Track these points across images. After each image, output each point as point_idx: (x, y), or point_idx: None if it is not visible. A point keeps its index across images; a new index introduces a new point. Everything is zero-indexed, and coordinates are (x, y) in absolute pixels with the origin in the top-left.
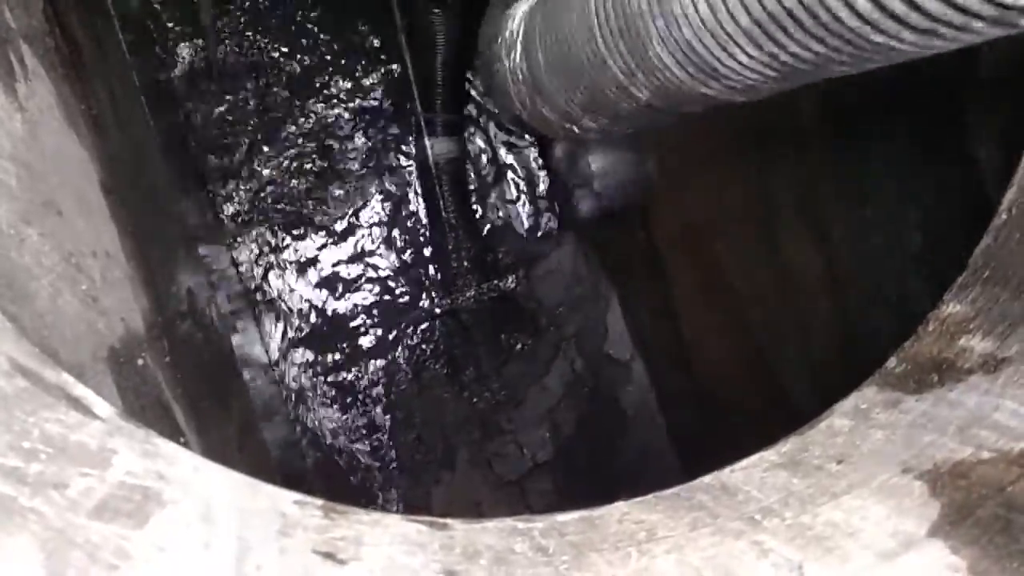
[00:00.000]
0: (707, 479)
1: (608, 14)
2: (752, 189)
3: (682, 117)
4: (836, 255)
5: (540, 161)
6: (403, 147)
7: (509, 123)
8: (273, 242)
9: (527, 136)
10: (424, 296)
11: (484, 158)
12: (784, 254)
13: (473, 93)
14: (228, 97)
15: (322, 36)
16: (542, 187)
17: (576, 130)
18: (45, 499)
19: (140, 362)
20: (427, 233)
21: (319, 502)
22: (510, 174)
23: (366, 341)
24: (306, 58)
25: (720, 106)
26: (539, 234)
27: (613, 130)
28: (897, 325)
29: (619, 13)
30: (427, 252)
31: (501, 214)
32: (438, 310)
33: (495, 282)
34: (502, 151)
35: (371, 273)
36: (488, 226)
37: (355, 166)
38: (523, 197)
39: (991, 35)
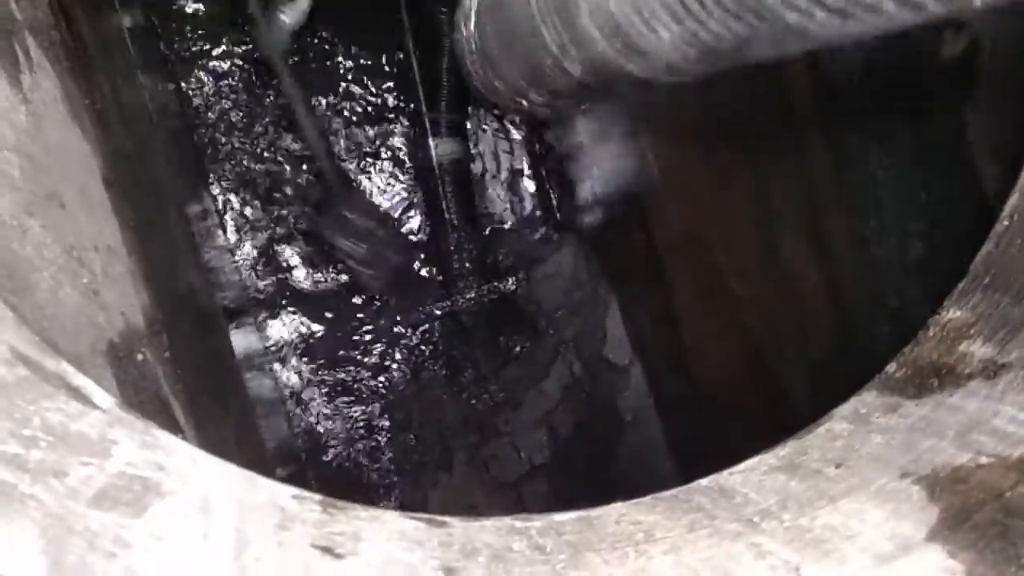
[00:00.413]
0: (705, 481)
1: None
2: (752, 195)
3: (616, 95)
4: (836, 260)
5: (540, 164)
6: (408, 146)
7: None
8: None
9: (524, 136)
10: (424, 297)
11: (486, 160)
12: (784, 259)
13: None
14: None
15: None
16: (542, 190)
17: (524, 104)
18: (45, 487)
19: (139, 357)
20: (428, 233)
21: (318, 497)
22: (511, 177)
23: (365, 341)
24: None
25: (648, 85)
26: (539, 237)
27: (558, 104)
28: (896, 331)
29: None
30: (428, 252)
31: (502, 216)
32: (438, 311)
33: (495, 284)
34: (503, 153)
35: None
36: (489, 228)
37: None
38: (523, 200)
39: (902, 19)
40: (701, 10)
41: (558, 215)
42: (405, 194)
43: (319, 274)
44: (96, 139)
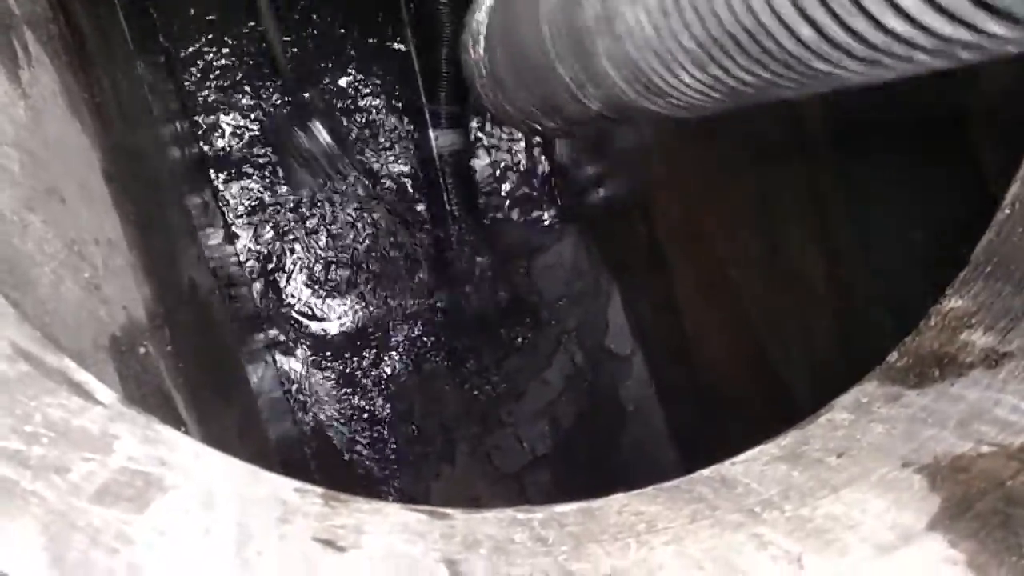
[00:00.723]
0: (707, 472)
1: (558, 26)
2: (753, 184)
3: (636, 125)
4: (837, 249)
5: (543, 155)
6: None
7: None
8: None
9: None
10: (427, 290)
11: (487, 150)
12: (785, 248)
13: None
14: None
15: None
16: (545, 181)
17: (538, 127)
18: (47, 483)
19: (142, 351)
20: (430, 225)
21: (319, 490)
22: (512, 166)
23: (367, 334)
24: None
25: (668, 122)
26: (540, 227)
27: (572, 130)
28: (898, 320)
29: (568, 27)
30: (430, 245)
31: (503, 206)
32: (440, 304)
33: (497, 275)
34: (505, 143)
35: (373, 266)
36: (490, 218)
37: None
38: (525, 189)
39: (933, 67)
40: (725, 58)
41: (560, 204)
42: (405, 187)
43: (330, 272)
44: (96, 133)
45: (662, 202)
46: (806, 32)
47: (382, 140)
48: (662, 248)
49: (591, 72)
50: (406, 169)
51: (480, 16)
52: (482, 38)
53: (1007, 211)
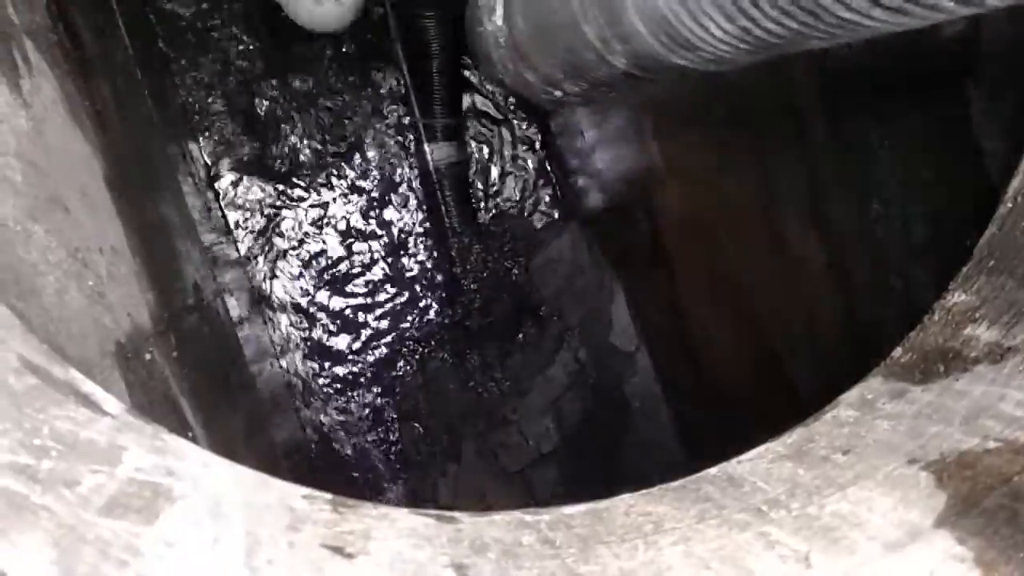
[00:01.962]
0: (713, 471)
1: None
2: (756, 180)
3: (662, 84)
4: (841, 245)
5: (542, 151)
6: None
7: (493, 86)
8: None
9: (526, 123)
10: (429, 310)
11: (488, 148)
12: (789, 244)
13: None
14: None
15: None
16: (544, 177)
17: (558, 94)
18: (56, 496)
19: (147, 357)
20: (428, 240)
21: (327, 496)
22: (512, 164)
23: (371, 345)
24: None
25: (695, 74)
26: (540, 224)
27: (594, 95)
28: (903, 315)
29: None
30: (429, 260)
31: (502, 204)
32: (445, 320)
33: (497, 274)
34: (505, 141)
35: (375, 278)
36: (490, 215)
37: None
38: (525, 187)
39: (958, 14)
40: (755, 9)
41: (560, 202)
42: (404, 203)
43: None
44: (97, 140)
45: (664, 197)
46: None
47: (376, 157)
48: (665, 244)
49: (618, 29)
50: (403, 185)
51: None
52: (500, 8)
53: (1009, 205)
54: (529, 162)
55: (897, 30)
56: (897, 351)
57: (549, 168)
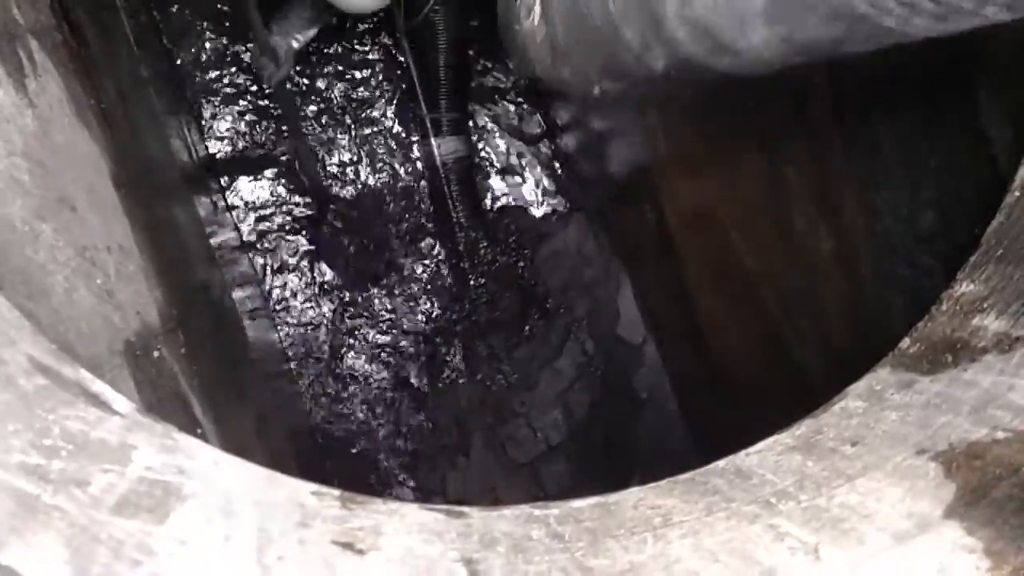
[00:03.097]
0: (722, 463)
1: None
2: (763, 169)
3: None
4: (849, 234)
5: (549, 143)
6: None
7: (527, 80)
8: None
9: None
10: (436, 304)
11: (495, 142)
12: (796, 234)
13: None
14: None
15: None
16: (550, 169)
17: (595, 91)
18: (68, 496)
19: (156, 354)
20: (434, 234)
21: (337, 492)
22: (517, 157)
23: (379, 340)
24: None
25: (735, 78)
26: (545, 215)
27: (632, 93)
28: (911, 304)
29: None
30: (436, 255)
31: (508, 197)
32: (453, 314)
33: (504, 267)
34: (511, 132)
35: (382, 273)
36: (496, 208)
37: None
38: (531, 179)
39: (1000, 20)
40: (795, 16)
41: (566, 194)
42: (410, 198)
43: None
44: (104, 139)
45: (671, 188)
46: None
47: (382, 152)
48: (672, 235)
49: (658, 33)
50: (410, 179)
51: None
52: (538, 7)
53: (1016, 194)
54: (535, 154)
55: (935, 35)
56: (905, 341)
57: (555, 160)
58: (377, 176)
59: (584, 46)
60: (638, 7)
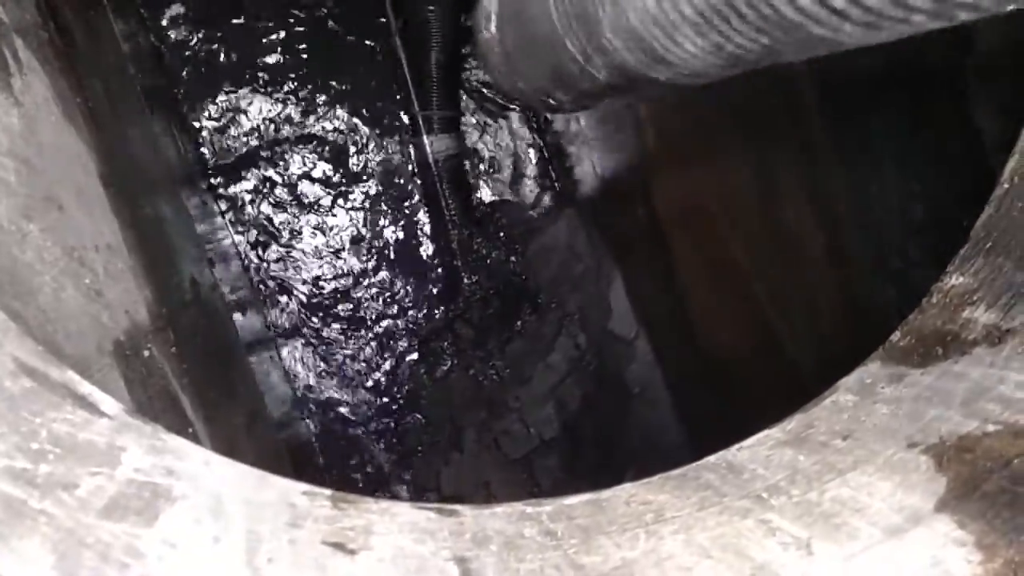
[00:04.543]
0: (713, 458)
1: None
2: (753, 163)
3: (644, 96)
4: (839, 227)
5: (539, 138)
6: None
7: (494, 89)
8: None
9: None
10: (430, 302)
11: (483, 137)
12: (787, 227)
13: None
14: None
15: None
16: (541, 164)
17: (551, 101)
18: (55, 500)
19: (146, 353)
20: (427, 232)
21: (327, 492)
22: (508, 152)
23: (372, 336)
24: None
25: (674, 87)
26: (536, 210)
27: (585, 103)
28: (902, 296)
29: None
30: (429, 252)
31: (499, 191)
32: (447, 312)
33: (495, 262)
34: (502, 129)
35: (375, 270)
36: (487, 204)
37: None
38: (521, 175)
39: (929, 28)
40: (725, 25)
41: (556, 189)
42: (403, 196)
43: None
44: (91, 137)
45: (661, 182)
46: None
47: (374, 149)
48: (663, 228)
49: (596, 43)
50: (401, 178)
51: None
52: (494, 15)
53: (1006, 185)
54: (525, 149)
55: (872, 43)
56: (896, 335)
57: (546, 155)
58: (370, 174)
59: (532, 56)
60: (577, 16)
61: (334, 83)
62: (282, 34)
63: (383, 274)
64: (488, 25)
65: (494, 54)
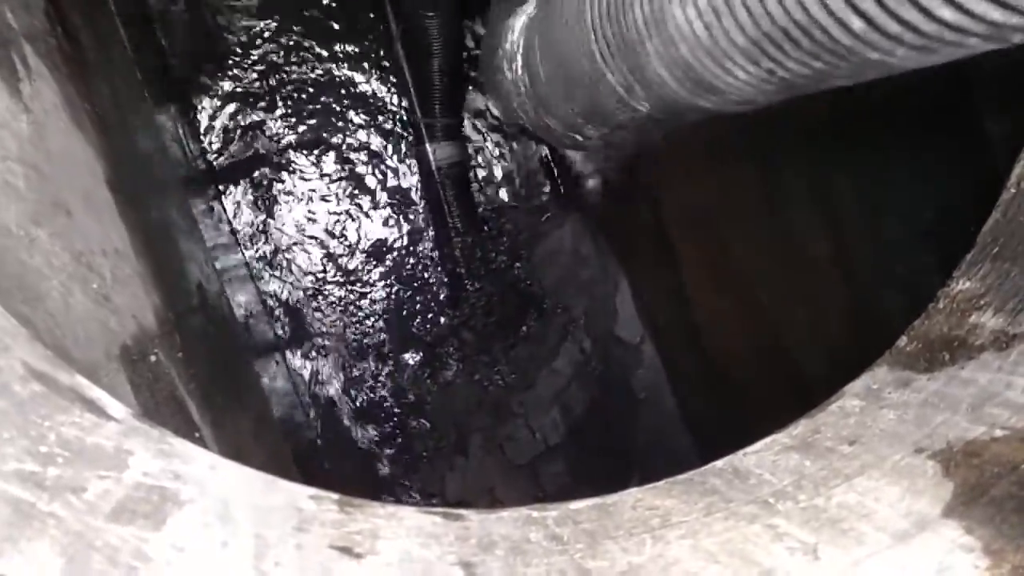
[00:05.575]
0: (719, 463)
1: (605, 32)
2: (759, 168)
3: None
4: (846, 232)
5: (543, 143)
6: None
7: (514, 129)
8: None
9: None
10: (434, 309)
11: (486, 142)
12: (794, 232)
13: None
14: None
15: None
16: (545, 169)
17: (580, 139)
18: (63, 503)
19: (153, 358)
20: (431, 239)
21: (335, 496)
22: (512, 156)
23: (377, 343)
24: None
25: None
26: (541, 214)
27: (615, 139)
28: (909, 302)
29: (616, 32)
30: (433, 260)
31: (503, 198)
32: (452, 320)
33: (500, 267)
34: (505, 134)
35: (379, 277)
36: (491, 210)
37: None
38: (526, 179)
39: (983, 50)
40: (778, 52)
41: (561, 193)
42: (406, 204)
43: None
44: (99, 143)
45: (667, 187)
46: (857, 24)
47: (376, 156)
48: (669, 233)
49: (640, 75)
50: (405, 185)
51: (514, 37)
52: (519, 57)
53: (1012, 191)
54: (529, 153)
55: (923, 66)
56: (902, 340)
57: (550, 159)
58: (374, 182)
59: (568, 93)
60: (620, 50)
61: (336, 91)
62: (284, 39)
63: (387, 281)
64: (512, 65)
65: (519, 95)
